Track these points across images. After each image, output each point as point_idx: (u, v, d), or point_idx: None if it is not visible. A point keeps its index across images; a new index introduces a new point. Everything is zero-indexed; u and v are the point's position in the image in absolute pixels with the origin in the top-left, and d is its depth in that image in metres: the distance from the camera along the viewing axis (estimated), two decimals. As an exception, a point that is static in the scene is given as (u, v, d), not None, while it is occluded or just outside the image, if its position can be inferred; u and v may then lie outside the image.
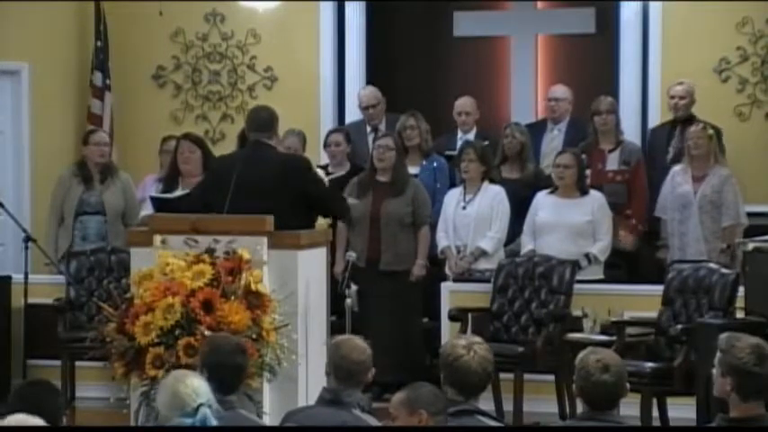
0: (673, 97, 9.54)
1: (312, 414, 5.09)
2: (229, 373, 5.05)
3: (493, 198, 8.79)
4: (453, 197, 8.93)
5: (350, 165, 9.39)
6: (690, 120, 9.36)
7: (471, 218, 8.79)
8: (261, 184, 6.78)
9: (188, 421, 4.32)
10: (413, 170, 9.20)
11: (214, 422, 4.35)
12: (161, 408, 4.48)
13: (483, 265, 8.76)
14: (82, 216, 9.26)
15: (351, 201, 8.19)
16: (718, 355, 4.72)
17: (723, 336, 4.76)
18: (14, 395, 4.57)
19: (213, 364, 5.04)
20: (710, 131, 8.83)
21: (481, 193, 8.83)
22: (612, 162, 9.21)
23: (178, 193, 8.02)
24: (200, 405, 4.35)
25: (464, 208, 8.84)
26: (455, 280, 8.76)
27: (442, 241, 8.87)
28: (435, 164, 9.37)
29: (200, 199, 7.07)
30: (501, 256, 8.77)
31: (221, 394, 4.80)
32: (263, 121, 7.13)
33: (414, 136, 9.35)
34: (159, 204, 7.66)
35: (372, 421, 5.03)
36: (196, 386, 4.42)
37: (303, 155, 8.78)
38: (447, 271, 8.88)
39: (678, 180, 8.86)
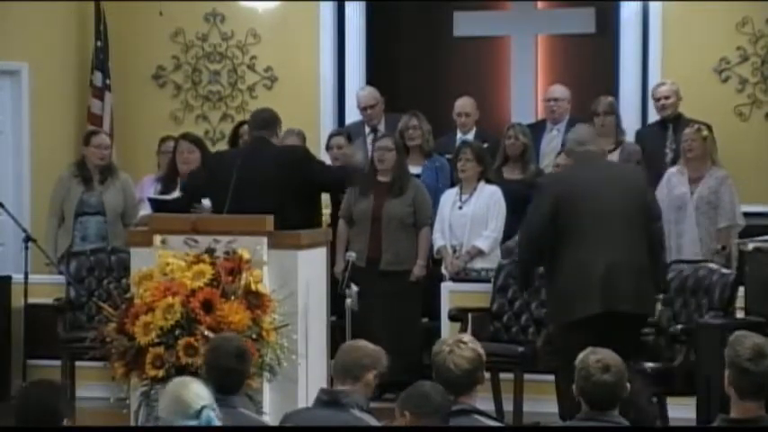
0: (658, 99, 9.54)
1: (311, 416, 5.08)
2: (231, 376, 5.06)
3: (489, 198, 8.78)
4: (450, 197, 8.92)
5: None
6: (678, 118, 9.37)
7: (467, 217, 8.78)
8: (262, 178, 6.88)
9: (192, 423, 4.37)
10: (414, 170, 9.19)
11: (218, 422, 4.43)
12: (165, 414, 4.50)
13: (479, 264, 8.76)
14: (82, 216, 9.23)
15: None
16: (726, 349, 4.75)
17: (737, 332, 4.78)
18: (19, 395, 4.57)
19: (215, 366, 5.06)
20: (705, 133, 8.80)
21: (477, 192, 8.82)
22: (612, 162, 9.20)
23: (176, 194, 8.02)
24: (204, 407, 4.42)
25: (460, 208, 8.84)
26: (451, 279, 8.76)
27: (439, 241, 8.87)
28: (437, 164, 9.36)
29: (198, 192, 7.15)
30: (497, 255, 8.77)
31: (223, 394, 4.82)
32: (264, 120, 7.37)
33: (416, 136, 9.34)
34: (157, 206, 7.67)
35: (372, 421, 5.02)
36: (199, 390, 4.49)
37: (299, 144, 8.81)
38: (443, 270, 8.88)
39: (674, 182, 8.84)
